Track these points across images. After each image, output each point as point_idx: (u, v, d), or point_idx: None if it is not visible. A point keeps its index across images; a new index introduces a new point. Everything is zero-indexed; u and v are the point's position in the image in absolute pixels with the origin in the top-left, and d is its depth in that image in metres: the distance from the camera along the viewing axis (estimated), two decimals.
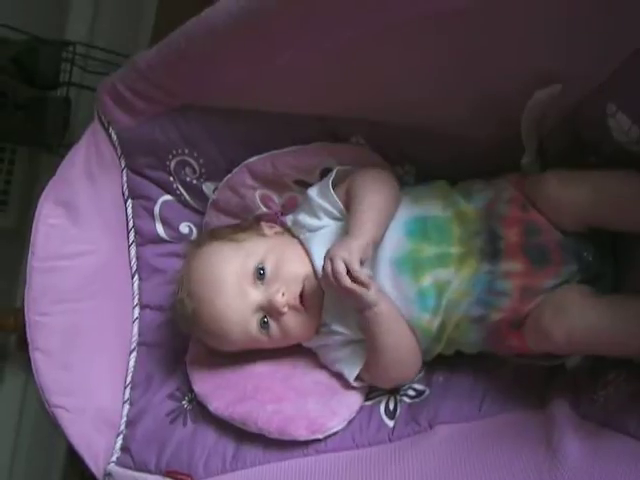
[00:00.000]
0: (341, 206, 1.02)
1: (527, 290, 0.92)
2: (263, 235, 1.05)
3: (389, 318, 0.96)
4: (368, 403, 1.02)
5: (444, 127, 0.98)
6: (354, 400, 1.01)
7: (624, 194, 0.88)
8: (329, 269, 0.90)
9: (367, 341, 0.99)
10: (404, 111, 0.98)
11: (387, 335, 0.96)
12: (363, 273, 0.91)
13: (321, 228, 1.03)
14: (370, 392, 1.03)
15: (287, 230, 1.07)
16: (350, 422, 0.99)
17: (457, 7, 0.79)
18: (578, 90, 0.87)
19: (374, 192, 0.99)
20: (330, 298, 1.00)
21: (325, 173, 1.07)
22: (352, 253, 0.90)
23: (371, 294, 0.92)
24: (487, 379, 0.99)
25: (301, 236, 1.04)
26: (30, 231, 1.07)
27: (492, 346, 0.98)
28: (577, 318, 0.87)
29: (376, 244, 0.96)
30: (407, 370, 1.01)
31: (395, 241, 0.97)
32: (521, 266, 0.93)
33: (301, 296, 0.99)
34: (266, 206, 1.12)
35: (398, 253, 0.96)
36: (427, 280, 0.95)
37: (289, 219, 1.08)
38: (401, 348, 0.98)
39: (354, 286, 0.90)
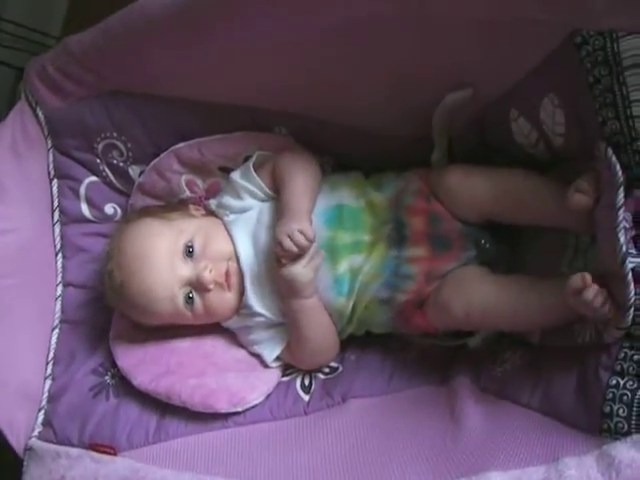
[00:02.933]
0: (263, 186, 1.07)
1: (430, 274, 1.00)
2: (191, 215, 1.09)
3: (316, 310, 1.03)
4: (285, 379, 1.09)
5: (364, 124, 1.05)
6: (272, 376, 1.07)
7: (520, 192, 0.96)
8: (287, 243, 0.96)
9: (291, 330, 1.05)
10: (326, 107, 1.05)
11: (312, 326, 1.03)
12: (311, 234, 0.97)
13: (244, 209, 1.08)
14: (287, 368, 1.10)
15: (211, 213, 1.12)
16: (268, 396, 1.05)
17: (376, 13, 0.85)
18: (485, 95, 0.95)
19: (303, 171, 1.05)
20: (255, 281, 1.05)
21: (247, 160, 1.12)
22: (303, 223, 0.97)
23: (308, 285, 0.99)
24: (395, 357, 1.08)
25: (224, 218, 1.09)
26: None
27: (399, 326, 1.06)
28: (475, 292, 0.96)
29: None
30: (327, 356, 1.08)
31: (314, 229, 1.02)
32: (424, 252, 1.01)
33: (226, 275, 1.04)
34: (191, 190, 1.16)
35: (317, 241, 1.01)
36: (343, 266, 1.02)
37: (213, 203, 1.13)
38: (324, 338, 1.06)
39: (304, 270, 0.97)
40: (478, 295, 0.95)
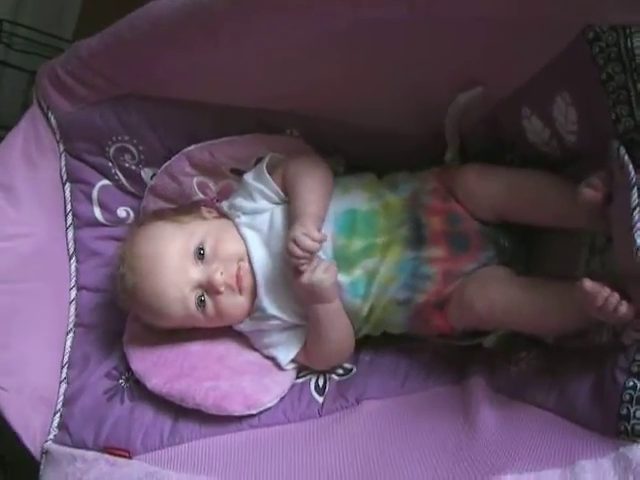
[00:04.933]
0: (277, 188, 1.07)
1: (449, 274, 1.00)
2: (203, 218, 1.09)
3: (338, 313, 1.03)
4: (299, 380, 1.08)
5: (376, 124, 1.05)
6: (286, 378, 1.07)
7: (534, 191, 0.96)
8: (295, 249, 0.96)
9: (312, 332, 1.05)
10: (337, 108, 1.04)
11: (332, 329, 1.03)
12: (316, 235, 0.97)
13: (256, 211, 1.08)
14: (300, 370, 1.10)
15: (223, 215, 1.12)
16: (282, 398, 1.05)
17: (383, 15, 0.85)
18: (497, 94, 0.94)
19: (311, 176, 1.05)
20: (269, 283, 1.05)
21: (259, 162, 1.11)
22: (306, 226, 0.97)
23: (330, 289, 0.99)
24: (409, 358, 1.08)
25: (236, 219, 1.09)
26: None
27: (417, 326, 1.05)
28: (499, 292, 0.95)
29: (322, 222, 1.01)
30: (344, 356, 1.08)
31: (328, 238, 1.02)
32: (443, 252, 1.00)
33: (237, 277, 1.04)
34: (203, 192, 1.16)
35: (331, 249, 1.02)
36: (357, 272, 1.02)
37: (225, 204, 1.12)
38: (344, 340, 1.06)
39: (325, 275, 0.97)
40: (502, 295, 0.95)
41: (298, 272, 0.98)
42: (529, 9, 0.77)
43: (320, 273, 0.98)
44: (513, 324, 0.97)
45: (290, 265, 0.99)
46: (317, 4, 0.86)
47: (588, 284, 0.79)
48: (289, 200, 1.05)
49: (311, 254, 0.97)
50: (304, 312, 1.04)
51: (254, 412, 1.02)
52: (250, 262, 1.05)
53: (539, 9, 0.76)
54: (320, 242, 0.97)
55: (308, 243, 0.96)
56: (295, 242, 0.96)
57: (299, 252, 0.96)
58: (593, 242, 0.94)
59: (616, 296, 0.78)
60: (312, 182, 1.04)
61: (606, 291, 0.78)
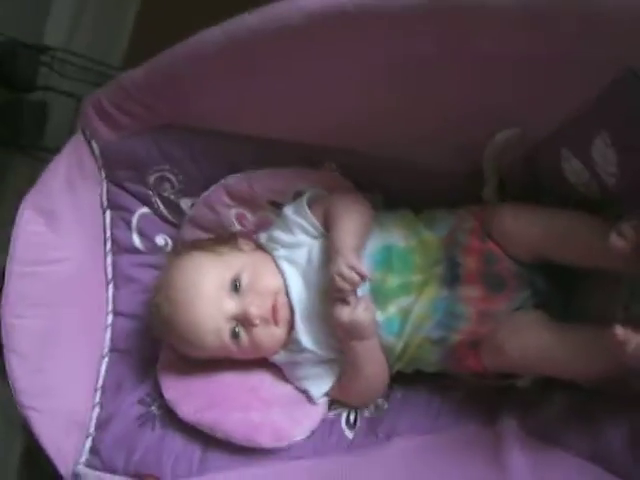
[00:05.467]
0: (316, 223, 1.07)
1: (484, 314, 0.99)
2: (240, 250, 1.10)
3: (375, 350, 1.02)
4: (330, 414, 1.08)
5: (414, 160, 1.05)
6: (317, 412, 1.07)
7: (571, 231, 0.94)
8: (341, 283, 0.96)
9: (348, 369, 1.04)
10: (376, 143, 1.04)
11: (369, 366, 1.03)
12: (362, 269, 0.97)
13: (295, 245, 1.08)
14: (331, 403, 1.09)
15: (260, 247, 1.12)
16: (312, 432, 1.05)
17: (425, 53, 0.85)
18: (535, 134, 0.94)
19: (353, 212, 1.05)
20: (305, 316, 1.05)
21: (297, 196, 1.12)
22: (351, 259, 0.97)
23: (370, 327, 0.99)
24: (442, 396, 1.06)
25: (274, 252, 1.09)
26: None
27: (450, 365, 1.04)
28: (531, 338, 0.94)
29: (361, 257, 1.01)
30: (378, 393, 1.07)
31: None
32: (478, 292, 0.99)
33: (273, 310, 1.04)
34: (240, 224, 1.17)
35: (367, 285, 1.01)
36: (392, 309, 1.01)
37: (263, 236, 1.13)
38: (378, 377, 1.05)
39: (365, 313, 0.98)
40: (534, 341, 0.94)
41: (338, 308, 0.98)
42: (571, 47, 0.76)
43: (361, 311, 0.98)
44: (546, 370, 0.95)
45: (330, 301, 1.00)
46: (353, 46, 0.87)
47: (619, 331, 0.78)
48: (329, 234, 1.05)
49: (354, 287, 0.97)
50: (340, 347, 1.04)
51: (284, 445, 1.02)
52: (288, 295, 1.05)
53: (581, 48, 0.75)
54: (364, 277, 0.97)
55: (354, 277, 0.96)
56: (341, 276, 0.96)
57: (346, 286, 0.96)
58: (634, 285, 0.92)
59: None
60: (353, 217, 1.04)
61: (637, 338, 0.77)
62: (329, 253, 1.02)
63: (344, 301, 0.98)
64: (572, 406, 0.93)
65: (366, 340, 1.01)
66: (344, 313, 0.98)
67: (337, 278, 0.96)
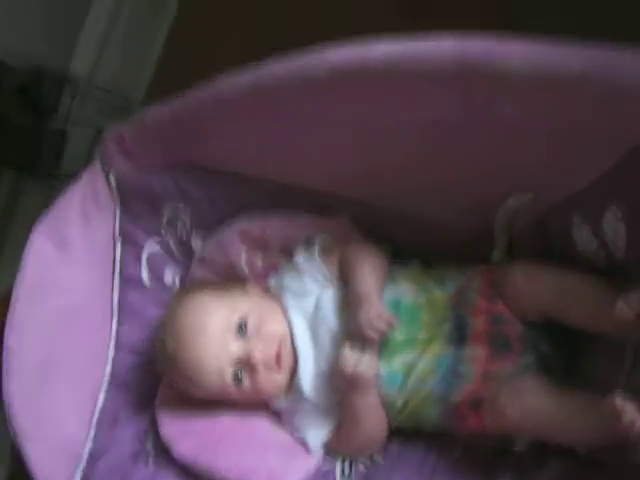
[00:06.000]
0: (327, 272, 1.08)
1: (488, 375, 0.99)
2: (248, 294, 1.10)
3: (374, 405, 1.02)
4: (324, 468, 1.07)
5: (425, 215, 1.06)
6: (313, 461, 1.06)
7: (580, 297, 0.94)
8: (370, 332, 0.97)
9: (346, 419, 1.04)
10: (388, 196, 1.05)
11: (367, 420, 1.02)
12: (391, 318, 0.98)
13: (304, 293, 1.09)
14: (327, 453, 1.08)
15: (269, 292, 1.13)
16: None
17: (447, 115, 0.86)
18: (549, 200, 0.95)
19: (370, 261, 1.06)
20: (309, 366, 1.05)
21: (307, 241, 1.13)
22: (377, 305, 0.99)
23: (371, 381, 1.00)
24: (438, 455, 1.05)
25: (283, 299, 1.10)
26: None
27: (450, 424, 1.03)
28: (531, 402, 0.94)
29: None
30: (374, 446, 1.07)
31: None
32: (483, 352, 0.99)
33: (277, 357, 1.04)
34: (250, 267, 1.17)
35: None
36: (396, 364, 1.01)
37: (271, 282, 1.14)
38: (375, 431, 1.05)
39: (369, 367, 0.98)
40: (534, 405, 0.93)
41: (343, 359, 0.98)
42: (595, 122, 0.78)
43: (365, 365, 0.98)
44: (544, 434, 0.95)
45: (335, 353, 1.01)
46: (371, 105, 0.88)
47: (617, 400, 0.78)
48: (350, 282, 1.05)
49: (383, 336, 0.98)
50: (339, 399, 1.04)
51: None
52: (293, 343, 1.06)
53: (605, 127, 0.76)
54: (392, 326, 0.98)
55: (382, 327, 0.97)
56: (371, 324, 0.97)
57: (375, 335, 0.97)
58: (637, 355, 0.92)
59: None
60: (374, 266, 1.06)
61: (633, 412, 0.77)
62: (351, 301, 1.02)
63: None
64: (568, 472, 0.93)
65: (366, 394, 1.01)
66: (348, 364, 0.98)
67: (366, 327, 0.97)
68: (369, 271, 1.04)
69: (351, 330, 1.00)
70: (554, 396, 0.94)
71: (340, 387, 1.02)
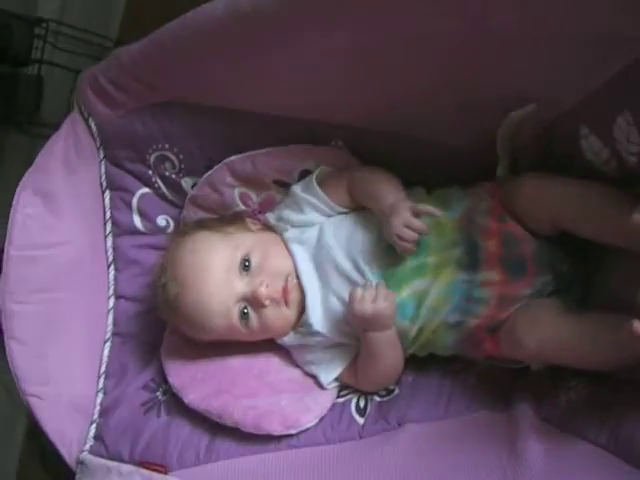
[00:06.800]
0: (328, 200, 1.05)
1: (504, 298, 0.96)
2: (249, 230, 1.07)
3: (392, 341, 1.00)
4: (340, 400, 1.05)
5: (425, 135, 1.01)
6: (327, 398, 1.05)
7: (595, 201, 0.90)
8: (408, 233, 0.94)
9: (363, 356, 1.02)
10: (387, 119, 1.01)
11: (386, 356, 1.01)
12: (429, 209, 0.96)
13: (306, 224, 1.06)
14: (341, 389, 1.07)
15: (268, 227, 1.09)
16: (322, 418, 1.02)
17: (437, 29, 0.81)
18: (553, 111, 0.90)
19: (385, 179, 1.03)
20: (317, 299, 1.03)
21: (304, 174, 1.09)
22: (409, 206, 0.96)
23: (389, 319, 0.97)
24: (454, 380, 1.04)
25: (284, 233, 1.07)
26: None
27: (466, 350, 1.02)
28: (549, 331, 0.91)
29: None
30: (392, 380, 1.05)
31: (377, 255, 1.00)
32: (498, 276, 0.96)
33: (284, 291, 1.01)
34: (244, 204, 1.13)
35: (379, 268, 0.99)
36: (406, 292, 0.98)
37: (271, 216, 1.10)
38: (394, 366, 1.03)
39: (385, 303, 0.96)
40: (552, 334, 0.91)
41: (358, 301, 0.96)
42: (592, 24, 0.73)
43: (381, 301, 0.95)
44: (563, 361, 0.93)
45: (342, 285, 1.00)
46: (364, 20, 0.83)
47: (637, 325, 0.75)
48: (368, 202, 1.03)
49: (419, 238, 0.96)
50: (356, 334, 1.02)
51: (293, 432, 1.00)
52: (298, 278, 1.03)
53: (609, 25, 0.71)
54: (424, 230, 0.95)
55: (420, 226, 0.95)
56: (408, 224, 0.94)
57: (413, 235, 0.95)
58: None
59: None
60: (390, 181, 1.03)
61: None
62: (378, 217, 1.00)
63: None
64: (588, 393, 0.90)
65: (385, 330, 0.98)
66: (365, 306, 0.95)
67: (403, 228, 0.94)
68: (389, 185, 1.02)
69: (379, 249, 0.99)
70: (571, 322, 0.91)
71: (357, 325, 1.00)
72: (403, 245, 0.95)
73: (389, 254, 0.99)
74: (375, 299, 0.95)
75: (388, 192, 1.01)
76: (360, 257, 1.00)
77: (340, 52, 0.90)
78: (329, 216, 1.06)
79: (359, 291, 0.96)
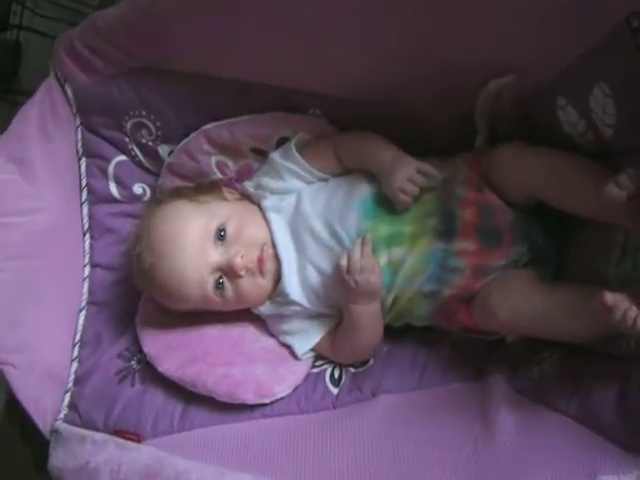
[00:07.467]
0: (309, 167, 1.04)
1: (479, 269, 0.96)
2: (225, 199, 1.06)
3: (375, 315, 1.00)
4: (314, 370, 1.06)
5: (402, 106, 1.00)
6: (301, 368, 1.05)
7: (570, 172, 0.90)
8: (412, 187, 0.96)
9: (344, 328, 1.02)
10: (364, 89, 1.00)
11: (368, 329, 1.01)
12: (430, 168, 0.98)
13: (286, 191, 1.06)
14: (316, 359, 1.07)
15: (245, 196, 1.09)
16: (296, 388, 1.02)
17: None
18: (531, 82, 0.90)
19: (377, 137, 1.03)
20: (293, 269, 1.02)
21: (281, 142, 1.08)
22: (413, 161, 0.98)
23: (377, 292, 0.98)
24: (428, 351, 1.05)
25: (263, 201, 1.06)
26: None
27: (440, 319, 1.02)
28: (522, 301, 0.91)
29: None
30: (369, 353, 1.05)
31: (353, 221, 0.99)
32: (473, 246, 0.96)
33: (259, 261, 1.01)
34: (221, 172, 1.12)
35: (356, 234, 0.99)
36: (382, 259, 0.98)
37: (249, 184, 1.09)
38: (373, 339, 1.03)
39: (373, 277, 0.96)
40: (526, 305, 0.91)
41: (343, 272, 0.96)
42: None
43: (369, 274, 0.95)
44: (537, 332, 0.93)
45: (319, 254, 1.00)
46: None
47: (608, 297, 0.75)
48: (364, 162, 1.03)
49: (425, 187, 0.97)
50: (340, 306, 1.02)
51: (267, 401, 1.00)
52: (275, 247, 1.02)
53: None
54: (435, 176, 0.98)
55: (422, 180, 0.97)
56: (412, 179, 0.96)
57: (416, 189, 0.96)
58: (626, 242, 0.89)
59: (635, 310, 0.74)
60: (379, 138, 1.03)
61: (624, 304, 0.75)
62: (379, 173, 1.00)
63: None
64: (561, 365, 0.92)
65: (371, 302, 0.99)
66: (354, 277, 0.96)
67: (407, 182, 0.96)
68: (383, 142, 1.02)
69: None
70: (545, 294, 0.91)
71: (341, 295, 0.99)
72: (403, 198, 0.96)
73: (366, 221, 0.99)
74: (362, 271, 0.95)
75: (385, 148, 1.01)
76: (338, 224, 1.00)
77: (312, 18, 0.89)
78: (309, 183, 1.06)
79: (345, 262, 0.96)
